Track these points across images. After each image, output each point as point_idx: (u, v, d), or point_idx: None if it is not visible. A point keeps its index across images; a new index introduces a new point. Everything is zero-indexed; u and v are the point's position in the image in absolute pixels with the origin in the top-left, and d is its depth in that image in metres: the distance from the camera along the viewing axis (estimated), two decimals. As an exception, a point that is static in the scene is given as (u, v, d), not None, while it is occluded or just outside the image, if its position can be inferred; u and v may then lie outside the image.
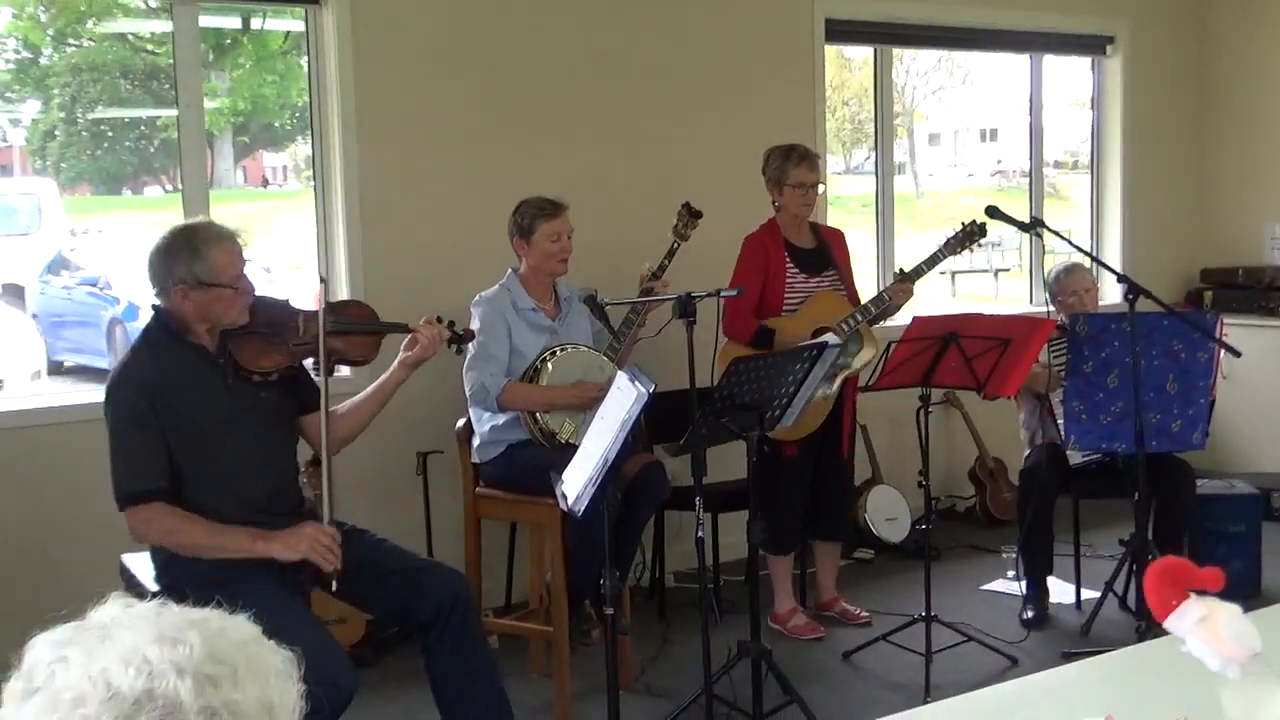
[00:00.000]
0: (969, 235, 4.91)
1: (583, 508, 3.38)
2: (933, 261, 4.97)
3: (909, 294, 4.98)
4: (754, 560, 4.29)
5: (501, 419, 4.49)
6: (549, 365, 4.46)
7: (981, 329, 4.51)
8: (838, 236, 5.31)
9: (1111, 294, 7.32)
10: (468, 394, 4.50)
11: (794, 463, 5.00)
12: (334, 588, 3.38)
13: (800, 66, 6.35)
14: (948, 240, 4.96)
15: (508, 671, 3.72)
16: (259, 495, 3.38)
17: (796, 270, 5.06)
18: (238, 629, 1.22)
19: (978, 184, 10.65)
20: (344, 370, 4.23)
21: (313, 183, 5.32)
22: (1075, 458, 5.13)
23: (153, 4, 5.24)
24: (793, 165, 5.00)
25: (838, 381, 4.98)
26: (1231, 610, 1.74)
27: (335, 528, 3.37)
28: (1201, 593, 1.75)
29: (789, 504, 5.06)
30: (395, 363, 3.64)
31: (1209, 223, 7.86)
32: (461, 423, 4.67)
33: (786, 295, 5.02)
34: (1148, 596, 1.76)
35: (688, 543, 5.65)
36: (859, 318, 4.91)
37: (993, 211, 4.71)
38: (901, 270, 4.98)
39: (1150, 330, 4.73)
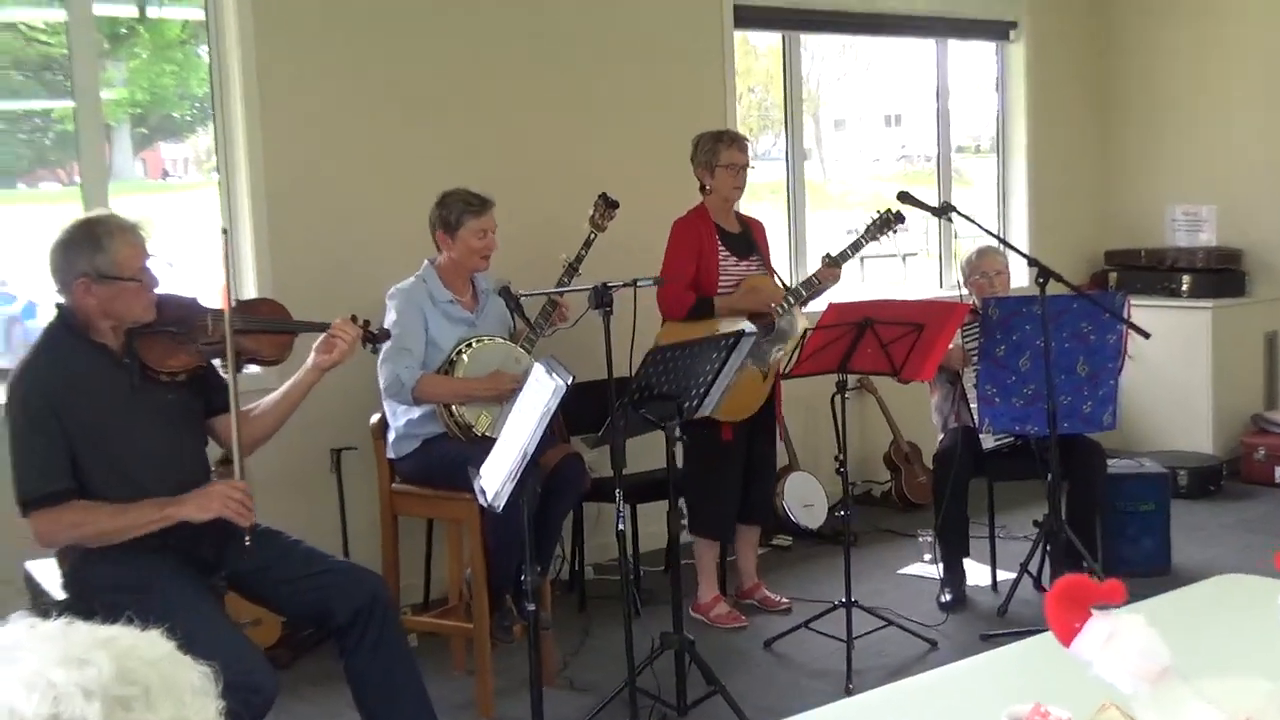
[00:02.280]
0: (886, 222, 5.03)
1: (502, 503, 3.33)
2: (856, 247, 5.10)
3: (837, 277, 5.08)
4: (675, 550, 4.27)
5: (417, 413, 4.42)
6: (464, 357, 4.40)
7: (896, 314, 4.53)
8: (759, 225, 5.36)
9: (1019, 277, 7.42)
10: (382, 388, 4.42)
11: (730, 447, 5.01)
12: (247, 542, 3.29)
13: (710, 53, 6.33)
14: (866, 227, 5.06)
15: (428, 669, 3.67)
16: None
17: (728, 253, 5.10)
18: (150, 646, 1.15)
19: (884, 170, 10.73)
20: (253, 368, 4.14)
21: (215, 175, 5.19)
22: (988, 441, 5.18)
23: (44, -8, 5.10)
24: (724, 147, 5.06)
25: (773, 357, 5.00)
26: (1136, 623, 1.67)
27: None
28: (1103, 607, 1.68)
29: (726, 489, 5.07)
30: (308, 364, 3.54)
31: (1112, 205, 7.99)
32: (376, 418, 4.59)
33: (721, 277, 5.05)
34: (1050, 623, 1.68)
35: (606, 535, 5.64)
36: (792, 300, 5.00)
37: (905, 197, 4.74)
38: (829, 255, 5.05)
39: (1059, 313, 4.78)
